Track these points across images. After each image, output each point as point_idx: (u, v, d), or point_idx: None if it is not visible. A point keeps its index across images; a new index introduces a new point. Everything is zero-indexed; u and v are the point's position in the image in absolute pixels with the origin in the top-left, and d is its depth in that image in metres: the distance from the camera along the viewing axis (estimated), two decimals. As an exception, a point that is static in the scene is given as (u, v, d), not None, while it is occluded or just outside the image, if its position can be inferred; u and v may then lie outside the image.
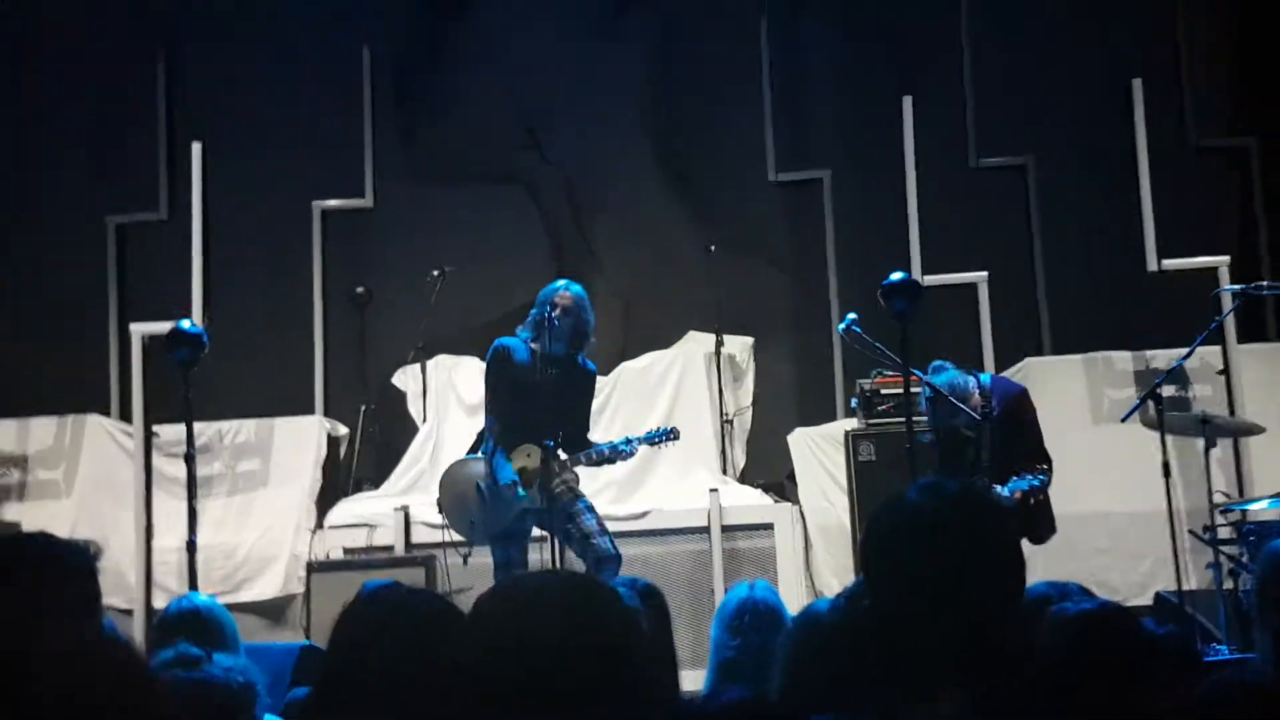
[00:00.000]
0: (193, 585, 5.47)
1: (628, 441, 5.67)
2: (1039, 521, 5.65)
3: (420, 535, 6.93)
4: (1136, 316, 7.98)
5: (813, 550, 7.25)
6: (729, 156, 8.85)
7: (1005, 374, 6.86)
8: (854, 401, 7.30)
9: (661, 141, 8.90)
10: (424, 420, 7.86)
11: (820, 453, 7.47)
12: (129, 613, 6.93)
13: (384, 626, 2.05)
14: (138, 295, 8.58)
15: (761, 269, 8.71)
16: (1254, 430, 6.25)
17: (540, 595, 1.59)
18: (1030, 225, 8.56)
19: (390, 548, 7.00)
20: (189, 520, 5.61)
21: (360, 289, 8.27)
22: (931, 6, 8.74)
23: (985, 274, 7.52)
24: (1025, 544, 5.38)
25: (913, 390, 5.46)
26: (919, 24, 8.75)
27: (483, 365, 6.05)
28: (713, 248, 8.03)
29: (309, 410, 8.14)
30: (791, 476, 7.61)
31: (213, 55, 8.81)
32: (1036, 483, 5.45)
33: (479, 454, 5.79)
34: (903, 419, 5.45)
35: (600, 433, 6.83)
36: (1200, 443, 5.87)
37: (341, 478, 7.87)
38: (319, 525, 7.35)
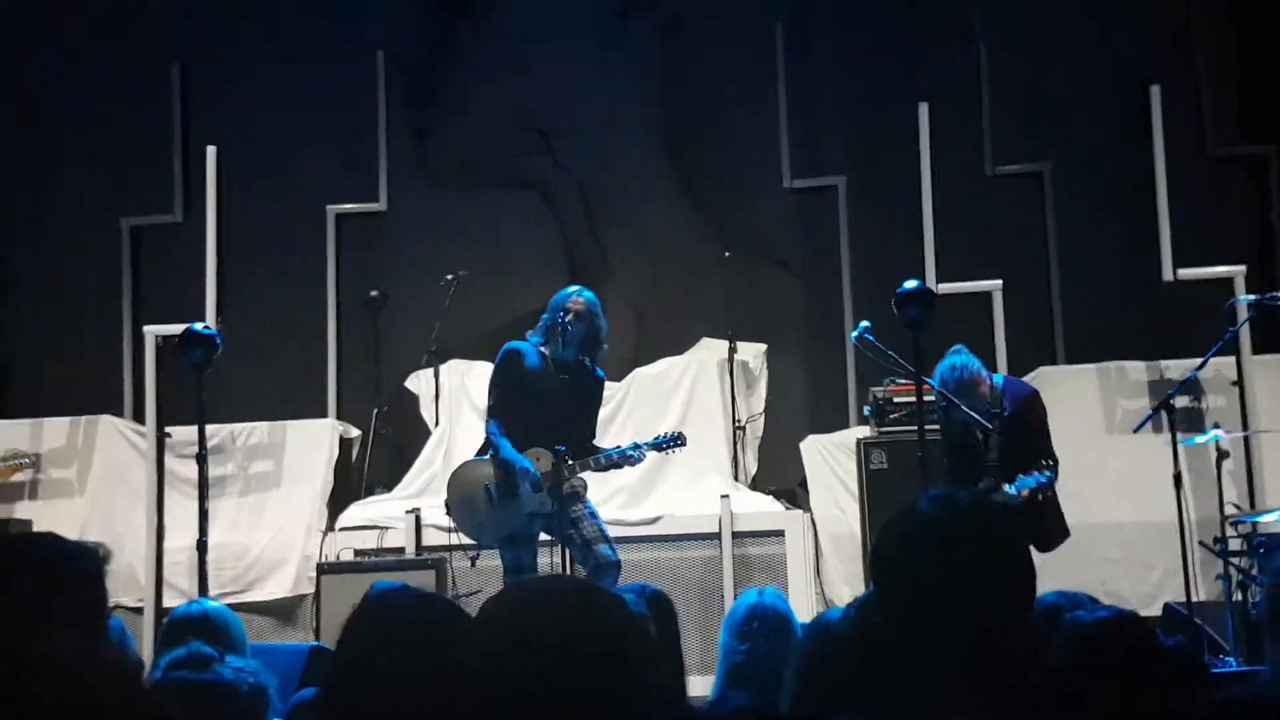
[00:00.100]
0: (203, 585, 5.49)
1: (636, 447, 5.68)
2: (1049, 525, 5.63)
3: (431, 538, 6.94)
4: (1151, 326, 7.94)
5: (823, 558, 7.24)
6: (744, 162, 8.85)
7: (1018, 380, 6.84)
8: (866, 409, 7.29)
9: (675, 147, 8.91)
10: (436, 424, 7.87)
11: (832, 460, 7.46)
12: (139, 611, 6.96)
13: (391, 629, 2.05)
14: (152, 297, 8.62)
15: (775, 275, 8.70)
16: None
17: (545, 600, 1.59)
18: (1045, 233, 8.53)
19: (401, 550, 7.01)
20: (200, 520, 5.63)
21: (374, 293, 8.29)
22: (947, 12, 8.73)
23: (1000, 282, 7.50)
24: (1035, 553, 5.41)
25: (925, 399, 5.45)
26: (934, 30, 8.73)
27: (495, 369, 6.04)
28: (727, 254, 8.03)
29: (322, 413, 8.17)
30: (803, 484, 7.60)
31: (228, 60, 8.86)
32: (1044, 479, 5.43)
33: (486, 456, 5.79)
34: (915, 427, 5.44)
35: (613, 438, 6.83)
36: (1213, 453, 5.85)
37: (354, 480, 7.89)
38: (330, 527, 7.38)
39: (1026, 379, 7.26)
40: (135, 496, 7.42)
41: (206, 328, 5.81)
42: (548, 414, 5.58)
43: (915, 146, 7.60)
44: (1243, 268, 7.26)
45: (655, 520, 7.09)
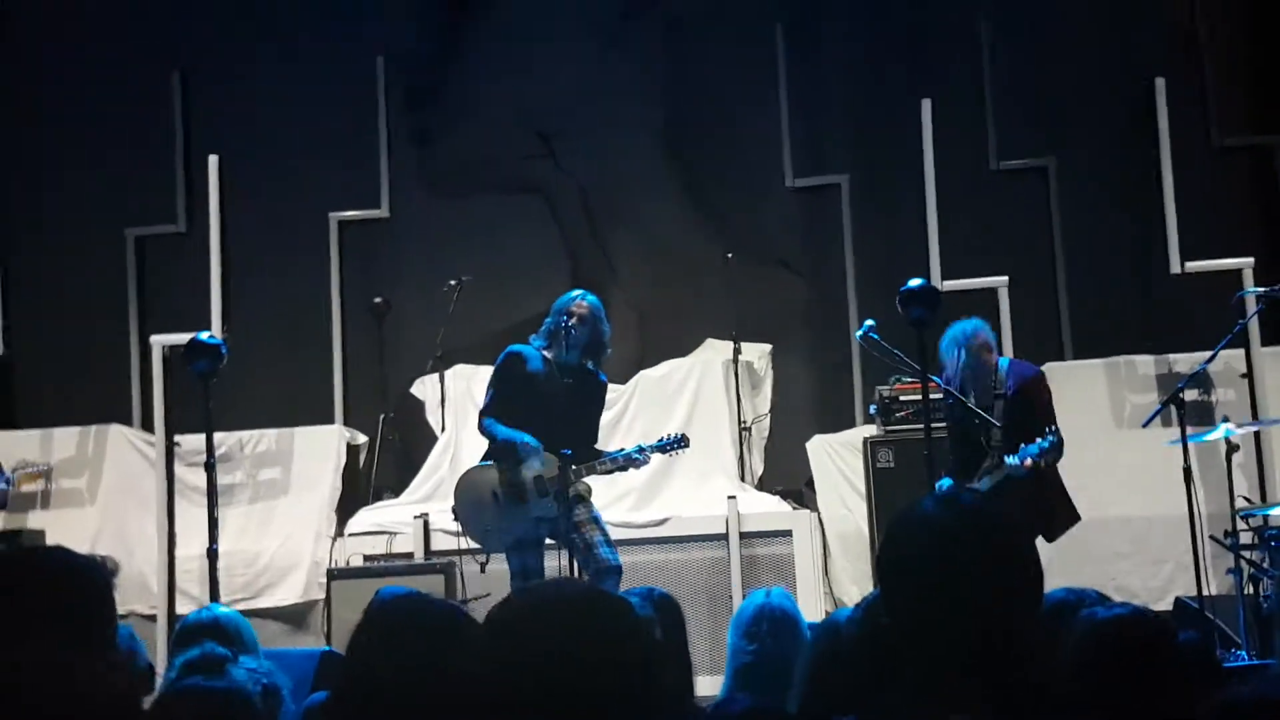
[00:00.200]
0: (214, 592, 5.49)
1: (640, 449, 5.68)
2: (1054, 509, 5.63)
3: (440, 543, 6.95)
4: (1159, 320, 7.92)
5: (831, 557, 7.23)
6: (746, 162, 8.84)
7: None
8: (872, 408, 7.29)
9: (677, 148, 8.90)
10: (443, 429, 7.88)
11: (839, 459, 7.46)
12: (152, 619, 6.98)
13: (398, 634, 2.06)
14: (158, 307, 8.64)
15: (779, 275, 8.70)
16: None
17: (551, 606, 1.59)
18: (1051, 228, 8.51)
19: (410, 555, 7.02)
20: (210, 528, 5.63)
21: (378, 299, 8.31)
22: (950, 7, 8.71)
23: (1005, 279, 7.47)
24: (1044, 547, 5.40)
25: (931, 397, 5.45)
26: (937, 25, 8.71)
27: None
28: (730, 255, 8.03)
29: (328, 420, 8.18)
30: (810, 483, 7.60)
31: (229, 68, 8.87)
32: (1046, 444, 5.44)
33: (490, 462, 5.78)
34: (921, 425, 5.44)
35: (618, 441, 6.84)
36: (1223, 447, 5.83)
37: (361, 486, 7.91)
38: (339, 533, 7.39)
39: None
40: (145, 505, 7.44)
41: (211, 337, 5.82)
42: (552, 418, 5.58)
43: (918, 143, 7.58)
44: (1250, 259, 7.23)
45: (663, 522, 7.09)
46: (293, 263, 8.73)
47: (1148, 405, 6.78)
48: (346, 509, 7.58)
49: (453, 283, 7.96)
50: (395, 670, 2.03)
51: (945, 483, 5.55)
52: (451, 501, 5.93)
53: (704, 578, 6.89)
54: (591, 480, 5.74)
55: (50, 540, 6.62)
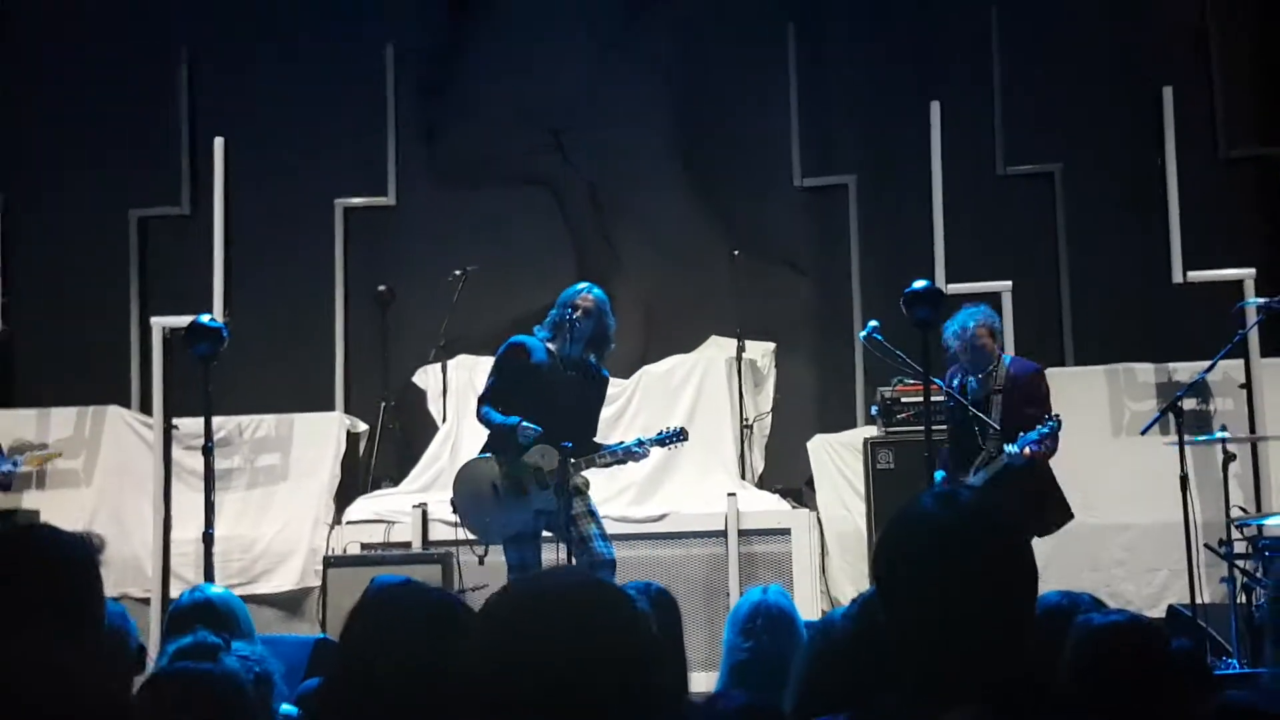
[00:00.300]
0: (209, 577, 5.50)
1: (640, 443, 5.68)
2: (1048, 503, 5.65)
3: (438, 533, 6.95)
4: (1160, 328, 7.92)
5: (829, 557, 7.24)
6: (754, 161, 8.83)
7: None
8: (874, 409, 7.29)
9: (685, 145, 8.90)
10: (444, 419, 7.88)
11: (839, 459, 7.46)
12: (146, 602, 6.98)
13: (392, 623, 2.05)
14: (159, 289, 8.64)
15: (784, 274, 8.70)
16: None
17: (550, 595, 1.59)
18: (1056, 234, 8.51)
19: (408, 544, 7.02)
20: (206, 512, 5.64)
21: (382, 287, 8.30)
22: (959, 12, 8.70)
23: (1009, 283, 7.47)
24: (1039, 551, 5.40)
25: (933, 399, 5.45)
26: (947, 29, 8.71)
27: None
28: (736, 253, 8.02)
29: (329, 407, 8.18)
30: (810, 483, 7.60)
31: (237, 52, 8.87)
32: (1045, 430, 5.47)
33: (490, 455, 5.78)
34: (922, 428, 5.44)
35: (620, 435, 6.83)
36: (1219, 456, 5.84)
37: (360, 474, 7.91)
38: (337, 520, 7.39)
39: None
40: (142, 487, 7.44)
41: (213, 320, 5.82)
42: (553, 411, 5.58)
43: (926, 146, 7.58)
44: (1252, 270, 7.23)
45: (662, 517, 7.09)
46: (297, 248, 8.73)
47: (1147, 413, 6.78)
48: (345, 497, 7.58)
49: (457, 273, 7.96)
50: (389, 658, 2.02)
51: (939, 475, 5.58)
52: (450, 493, 5.94)
53: (702, 574, 6.90)
54: (592, 474, 5.75)
55: (45, 521, 6.62)
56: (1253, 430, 6.82)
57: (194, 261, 7.74)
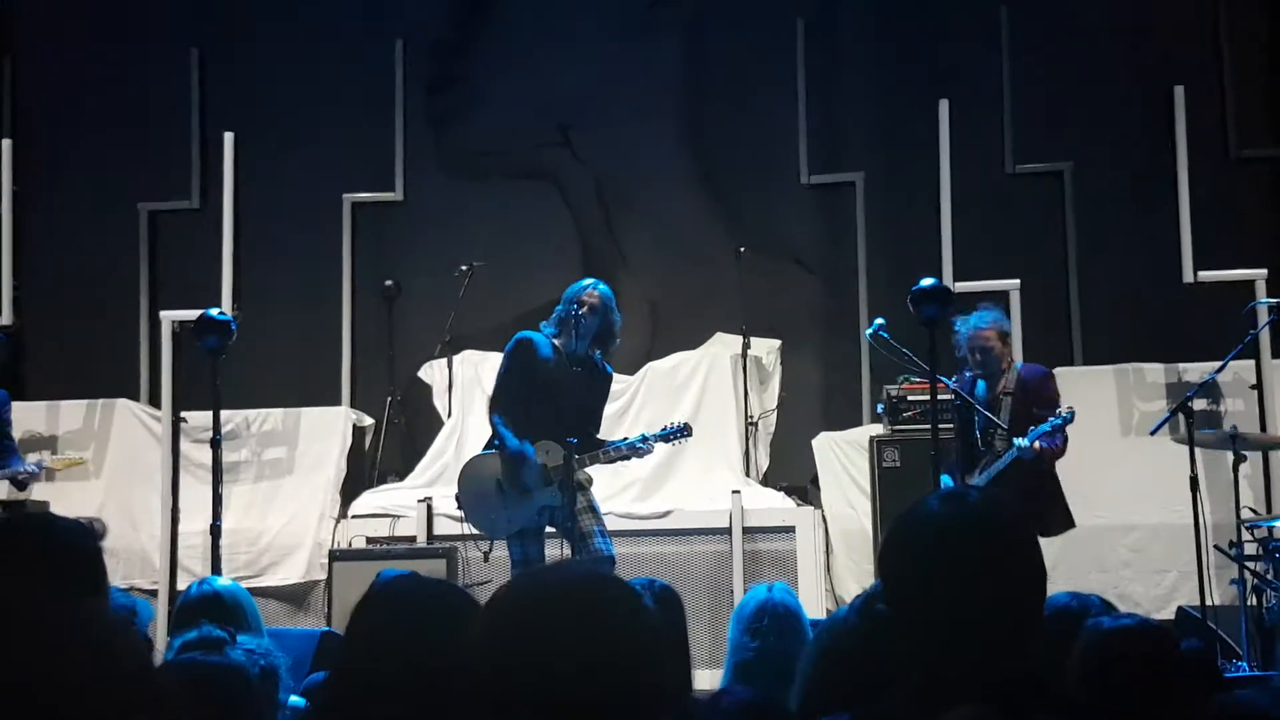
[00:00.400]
0: (216, 569, 5.50)
1: (644, 439, 5.67)
2: (1049, 507, 5.63)
3: (443, 527, 6.95)
4: (1170, 328, 7.89)
5: (834, 555, 7.23)
6: (761, 158, 8.82)
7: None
8: (879, 407, 7.28)
9: (693, 141, 8.89)
10: (449, 414, 7.88)
11: (844, 457, 7.45)
12: (154, 594, 6.99)
13: (397, 616, 2.05)
14: (169, 282, 8.65)
15: (791, 272, 8.68)
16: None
17: (557, 588, 1.58)
18: (1065, 233, 8.49)
19: (413, 539, 7.03)
20: (214, 505, 5.64)
21: (389, 282, 8.31)
22: (970, 9, 8.68)
23: (1018, 282, 7.46)
24: (1048, 553, 5.39)
25: (939, 397, 5.44)
26: (956, 26, 8.69)
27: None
28: (742, 250, 8.02)
29: (336, 401, 8.19)
30: (815, 480, 7.59)
31: (247, 47, 8.88)
32: (1059, 420, 5.46)
33: (494, 450, 5.78)
34: (928, 426, 5.43)
35: (624, 432, 6.82)
36: (1229, 457, 5.82)
37: (366, 468, 7.92)
38: (343, 514, 7.40)
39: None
40: (150, 480, 7.46)
41: (222, 313, 5.82)
42: (559, 406, 5.58)
43: (935, 143, 7.56)
44: (1264, 271, 7.21)
45: (666, 514, 7.09)
46: (305, 242, 8.73)
47: (1156, 413, 6.76)
48: (351, 491, 7.59)
49: (464, 268, 7.97)
50: (394, 651, 2.02)
51: (946, 479, 5.57)
52: (455, 488, 5.94)
53: (706, 571, 6.89)
54: (597, 470, 5.74)
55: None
56: (1263, 431, 6.80)
57: (203, 255, 7.76)
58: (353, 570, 6.47)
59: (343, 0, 8.96)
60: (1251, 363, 6.98)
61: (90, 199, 8.82)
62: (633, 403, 7.69)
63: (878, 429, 7.25)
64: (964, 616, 1.66)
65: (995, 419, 5.69)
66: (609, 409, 6.15)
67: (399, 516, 7.18)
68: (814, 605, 6.41)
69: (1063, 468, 5.83)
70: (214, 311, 5.78)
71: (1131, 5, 8.58)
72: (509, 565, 5.77)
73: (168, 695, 1.06)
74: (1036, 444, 5.47)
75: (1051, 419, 5.49)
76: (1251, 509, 6.37)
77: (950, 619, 1.66)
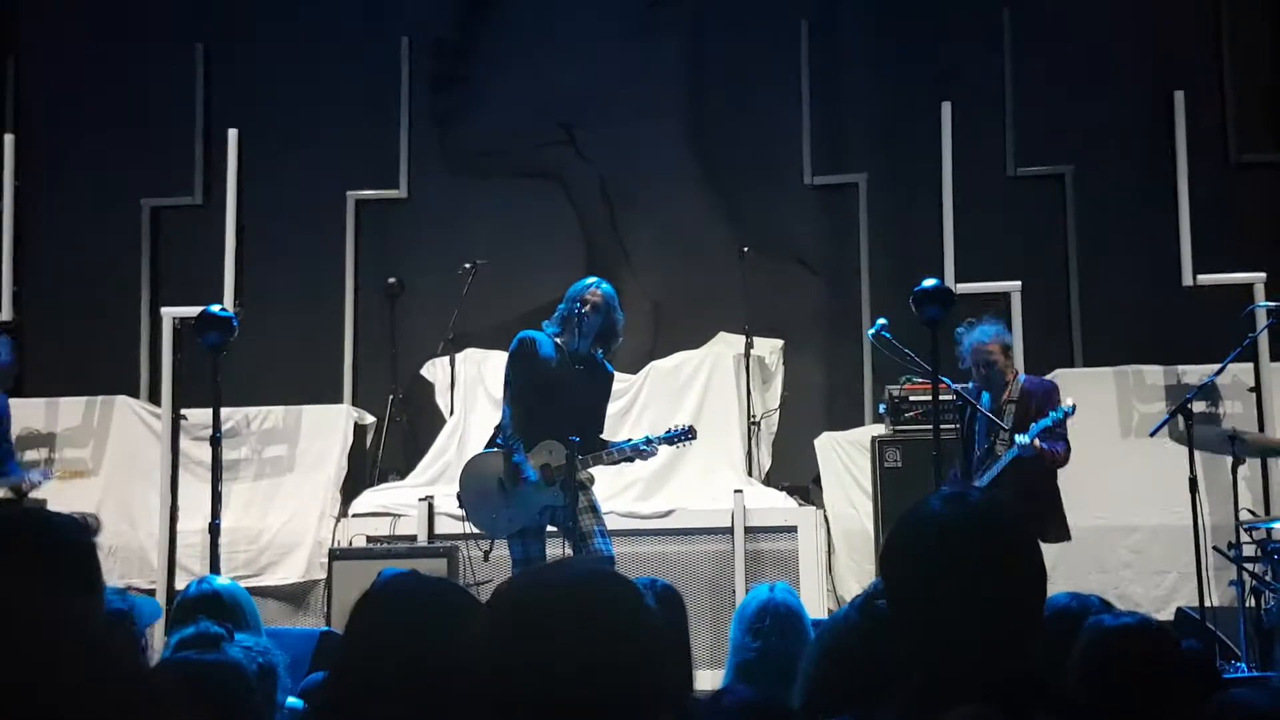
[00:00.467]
0: (214, 568, 5.50)
1: (648, 441, 5.66)
2: (1047, 516, 5.64)
3: (444, 526, 6.95)
4: (1170, 331, 7.90)
5: (835, 555, 7.23)
6: (764, 158, 8.83)
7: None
8: (882, 407, 7.28)
9: (697, 141, 8.90)
10: (451, 412, 7.88)
11: (846, 458, 7.45)
12: (152, 593, 6.99)
13: (398, 614, 2.04)
14: (170, 279, 8.66)
15: (794, 272, 8.69)
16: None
17: (559, 586, 1.58)
18: (1066, 236, 8.50)
19: (414, 538, 7.02)
20: (213, 503, 5.64)
21: (392, 280, 8.31)
22: (972, 12, 8.69)
23: (1019, 284, 7.47)
24: (1048, 554, 5.39)
25: (941, 398, 5.45)
26: (959, 28, 8.70)
27: (511, 358, 6.03)
28: (746, 250, 8.02)
29: (337, 399, 8.19)
30: (817, 480, 7.59)
31: (252, 44, 8.89)
32: (1059, 415, 5.47)
33: (495, 448, 5.77)
34: (930, 426, 5.43)
35: (627, 431, 6.83)
36: (1228, 460, 5.83)
37: (367, 467, 7.91)
38: (343, 513, 7.39)
39: (1042, 381, 7.25)
40: (149, 477, 7.45)
41: (223, 310, 5.82)
42: (561, 405, 5.58)
43: (937, 146, 7.57)
44: (1263, 274, 7.23)
45: (668, 514, 7.09)
46: (308, 240, 8.74)
47: (1156, 415, 6.77)
48: (351, 489, 7.59)
49: (467, 265, 7.97)
50: (394, 650, 2.02)
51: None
52: (457, 486, 5.93)
53: (707, 571, 6.89)
54: (598, 470, 5.74)
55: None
56: (1261, 433, 6.80)
57: (205, 252, 7.75)
58: (353, 569, 6.46)
59: (349, -1, 8.98)
60: (1250, 365, 6.99)
61: (92, 196, 8.82)
62: (635, 402, 7.69)
63: (880, 429, 7.26)
64: (964, 616, 1.66)
65: (998, 420, 5.69)
66: (611, 408, 6.15)
67: (400, 515, 7.17)
68: (815, 605, 6.41)
69: (1063, 469, 5.83)
70: (216, 308, 5.77)
71: (1133, 9, 8.58)
72: (510, 564, 5.77)
73: (164, 694, 1.06)
74: (1036, 441, 5.47)
75: (1052, 413, 5.49)
76: (1250, 511, 6.38)
77: (951, 619, 1.67)
